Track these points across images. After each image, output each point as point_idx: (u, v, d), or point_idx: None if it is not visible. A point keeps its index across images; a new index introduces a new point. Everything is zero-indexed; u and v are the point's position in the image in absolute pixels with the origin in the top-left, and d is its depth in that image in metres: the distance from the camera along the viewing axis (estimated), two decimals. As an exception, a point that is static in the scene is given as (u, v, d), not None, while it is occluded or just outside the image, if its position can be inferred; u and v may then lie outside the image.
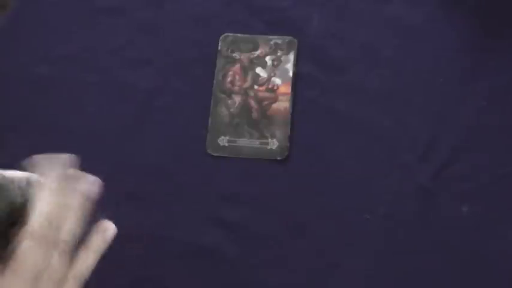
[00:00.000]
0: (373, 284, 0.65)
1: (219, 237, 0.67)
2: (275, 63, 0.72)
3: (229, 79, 0.72)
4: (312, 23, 0.74)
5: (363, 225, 0.66)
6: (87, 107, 0.73)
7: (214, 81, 0.72)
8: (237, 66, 0.72)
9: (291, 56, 0.72)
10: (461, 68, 0.71)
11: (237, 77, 0.72)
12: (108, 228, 0.53)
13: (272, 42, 0.73)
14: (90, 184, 0.51)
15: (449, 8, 0.73)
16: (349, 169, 0.68)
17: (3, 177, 0.48)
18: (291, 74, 0.72)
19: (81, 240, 0.50)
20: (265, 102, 0.71)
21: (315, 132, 0.70)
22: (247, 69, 0.72)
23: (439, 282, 0.64)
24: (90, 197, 0.50)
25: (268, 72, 0.72)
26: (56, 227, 0.48)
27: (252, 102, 0.71)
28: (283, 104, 0.71)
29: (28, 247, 0.46)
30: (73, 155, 0.50)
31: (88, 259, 0.50)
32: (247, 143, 0.70)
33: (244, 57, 0.73)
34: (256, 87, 0.72)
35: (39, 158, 0.48)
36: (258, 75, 0.72)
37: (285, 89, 0.71)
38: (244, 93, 0.71)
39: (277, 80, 0.72)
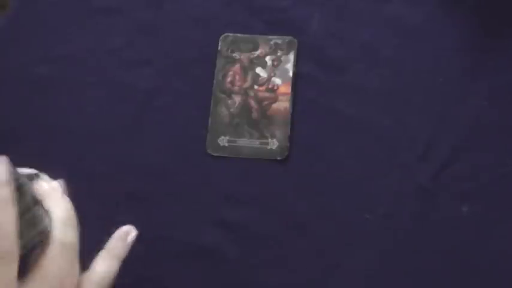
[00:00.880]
0: (373, 284, 0.65)
1: (219, 237, 0.67)
2: (275, 63, 0.72)
3: (229, 79, 0.72)
4: (312, 23, 0.74)
5: (363, 225, 0.66)
6: (86, 107, 0.73)
7: (214, 81, 0.72)
8: (237, 66, 0.72)
9: (291, 56, 0.72)
10: (461, 67, 0.71)
11: (237, 77, 0.72)
12: (129, 233, 0.53)
13: (272, 42, 0.73)
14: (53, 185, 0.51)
15: (449, 8, 0.73)
16: (349, 169, 0.68)
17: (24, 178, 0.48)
18: (291, 74, 0.72)
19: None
20: (265, 102, 0.71)
21: (315, 132, 0.70)
22: (247, 69, 0.72)
23: (439, 282, 0.64)
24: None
25: (268, 72, 0.72)
26: (74, 231, 0.48)
27: (252, 102, 0.71)
28: (283, 104, 0.71)
29: (53, 255, 0.46)
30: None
31: (108, 263, 0.51)
32: (247, 143, 0.70)
33: (244, 57, 0.73)
34: (256, 87, 0.72)
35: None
36: (258, 75, 0.72)
37: (285, 89, 0.71)
38: (244, 93, 0.71)
39: (277, 80, 0.72)
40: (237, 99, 0.71)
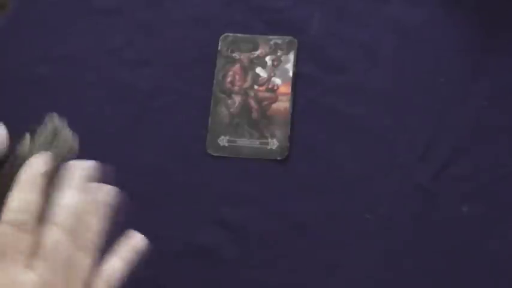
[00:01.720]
0: (373, 284, 0.65)
1: (219, 237, 0.67)
2: (275, 63, 0.72)
3: (229, 79, 0.72)
4: (312, 23, 0.74)
5: (363, 225, 0.66)
6: (86, 107, 0.73)
7: (214, 81, 0.72)
8: (237, 66, 0.72)
9: (291, 56, 0.72)
10: (462, 68, 0.71)
11: (237, 77, 0.72)
12: (139, 241, 0.53)
13: (272, 42, 0.73)
14: (107, 194, 0.52)
15: (450, 8, 0.73)
16: (349, 169, 0.68)
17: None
18: (291, 74, 0.72)
19: (109, 248, 0.51)
20: (265, 102, 0.71)
21: (315, 132, 0.70)
22: (247, 69, 0.72)
23: (439, 282, 0.64)
24: (109, 206, 0.51)
25: (268, 72, 0.72)
26: (83, 224, 0.48)
27: (252, 102, 0.71)
28: (283, 104, 0.71)
29: (57, 238, 0.46)
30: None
31: (117, 266, 0.50)
32: (247, 143, 0.70)
33: (244, 57, 0.73)
34: (256, 87, 0.72)
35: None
36: (258, 75, 0.72)
37: (285, 89, 0.71)
38: (244, 93, 0.71)
39: (277, 80, 0.72)
40: (237, 99, 0.71)
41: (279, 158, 0.69)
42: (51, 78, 0.74)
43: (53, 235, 0.45)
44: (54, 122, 0.54)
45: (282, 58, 0.72)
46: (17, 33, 0.76)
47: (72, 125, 0.73)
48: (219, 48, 0.73)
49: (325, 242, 0.66)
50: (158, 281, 0.66)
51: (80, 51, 0.75)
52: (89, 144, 0.70)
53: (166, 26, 0.75)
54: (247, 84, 0.72)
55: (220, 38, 0.74)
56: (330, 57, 0.72)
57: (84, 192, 0.50)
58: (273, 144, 0.69)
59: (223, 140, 0.70)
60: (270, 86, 0.72)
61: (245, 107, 0.71)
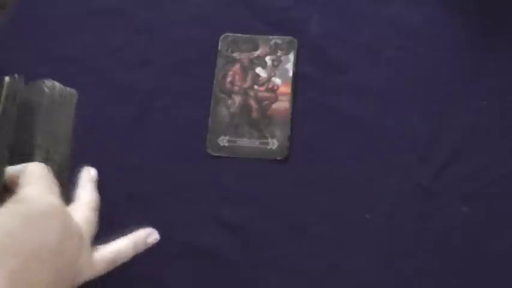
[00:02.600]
0: (373, 284, 0.65)
1: (219, 237, 0.67)
2: (275, 63, 0.72)
3: (229, 79, 0.72)
4: (312, 23, 0.74)
5: (363, 225, 0.66)
6: (86, 108, 0.73)
7: (214, 81, 0.72)
8: (237, 66, 0.72)
9: (291, 56, 0.72)
10: (462, 68, 0.71)
11: (237, 77, 0.72)
12: (152, 235, 0.59)
13: (272, 42, 0.73)
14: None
15: (450, 8, 0.73)
16: (349, 169, 0.68)
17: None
18: (291, 74, 0.72)
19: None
20: (265, 102, 0.71)
21: (315, 132, 0.70)
22: (247, 69, 0.72)
23: (439, 282, 0.64)
24: None
25: (268, 72, 0.72)
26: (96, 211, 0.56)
27: (252, 102, 0.71)
28: (283, 104, 0.71)
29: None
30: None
31: (125, 245, 0.56)
32: (247, 143, 0.70)
33: (244, 57, 0.73)
34: (256, 87, 0.72)
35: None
36: (258, 75, 0.72)
37: (285, 89, 0.71)
38: (244, 93, 0.71)
39: (277, 80, 0.72)
40: (237, 99, 0.71)
41: (279, 158, 0.69)
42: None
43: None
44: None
45: (282, 58, 0.72)
46: (17, 33, 0.76)
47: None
48: (219, 48, 0.73)
49: (325, 242, 0.66)
50: (158, 281, 0.66)
51: (80, 51, 0.75)
52: (89, 144, 0.71)
53: (166, 26, 0.75)
54: (247, 84, 0.72)
55: (220, 38, 0.74)
56: (330, 57, 0.72)
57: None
58: (273, 144, 0.69)
59: (223, 140, 0.70)
60: (270, 86, 0.72)
61: (245, 107, 0.71)
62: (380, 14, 0.74)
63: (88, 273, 0.52)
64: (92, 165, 0.69)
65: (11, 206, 0.49)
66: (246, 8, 0.74)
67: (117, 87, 0.73)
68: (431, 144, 0.68)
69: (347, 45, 0.73)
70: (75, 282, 0.51)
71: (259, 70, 0.72)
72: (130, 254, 0.56)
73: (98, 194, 0.59)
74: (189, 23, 0.75)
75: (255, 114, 0.71)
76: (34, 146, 0.62)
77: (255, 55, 0.73)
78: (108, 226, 0.59)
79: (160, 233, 0.67)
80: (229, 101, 0.71)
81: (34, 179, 0.52)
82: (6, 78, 0.58)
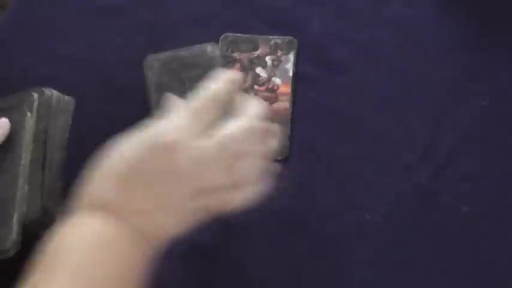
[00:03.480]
0: (373, 284, 0.65)
1: (219, 237, 0.67)
2: (275, 63, 0.72)
3: (229, 79, 0.72)
4: (312, 23, 0.74)
5: (363, 225, 0.66)
6: (86, 108, 0.73)
7: (214, 81, 0.72)
8: (237, 66, 0.72)
9: (291, 56, 0.72)
10: (462, 68, 0.71)
11: (237, 77, 0.72)
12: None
13: (272, 42, 0.73)
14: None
15: (449, 8, 0.73)
16: (349, 169, 0.68)
17: None
18: (291, 74, 0.72)
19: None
20: (265, 102, 0.71)
21: (315, 132, 0.70)
22: (247, 69, 0.72)
23: (439, 282, 0.64)
24: None
25: (268, 72, 0.72)
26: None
27: (252, 102, 0.71)
28: (283, 104, 0.71)
29: (205, 95, 0.54)
30: None
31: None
32: (247, 143, 0.70)
33: (244, 57, 0.73)
34: (256, 87, 0.72)
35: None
36: (258, 75, 0.72)
37: (285, 89, 0.71)
38: (244, 93, 0.71)
39: (277, 80, 0.72)
40: (237, 99, 0.71)
41: (279, 158, 0.69)
42: (51, 78, 0.74)
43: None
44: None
45: (282, 58, 0.72)
46: (17, 33, 0.76)
47: (72, 124, 0.73)
48: (219, 48, 0.73)
49: (325, 242, 0.66)
50: (158, 281, 0.66)
51: (80, 51, 0.75)
52: (89, 144, 0.70)
53: (166, 26, 0.75)
54: (247, 84, 0.72)
55: (220, 38, 0.74)
56: (330, 57, 0.72)
57: None
58: (273, 144, 0.69)
59: (223, 140, 0.70)
60: (270, 86, 0.72)
61: (245, 107, 0.71)
62: (380, 14, 0.74)
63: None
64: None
65: (147, 135, 0.53)
66: (246, 8, 0.75)
67: (117, 87, 0.73)
68: (430, 144, 0.68)
69: (347, 45, 0.73)
70: (198, 214, 0.55)
71: (259, 70, 0.72)
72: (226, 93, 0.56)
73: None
74: (189, 23, 0.75)
75: (255, 114, 0.71)
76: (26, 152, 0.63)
77: (255, 55, 0.73)
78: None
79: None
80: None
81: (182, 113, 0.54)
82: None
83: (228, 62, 0.73)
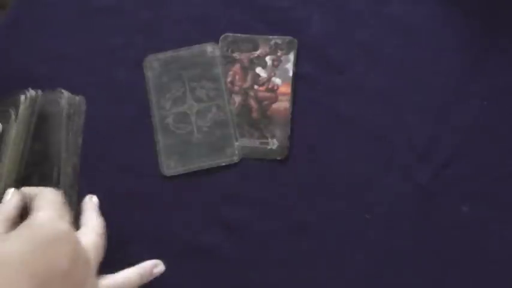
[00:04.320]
0: (373, 284, 0.65)
1: (219, 237, 0.67)
2: (275, 63, 0.72)
3: (229, 79, 0.72)
4: (312, 23, 0.74)
5: (363, 225, 0.66)
6: (86, 108, 0.73)
7: (214, 81, 0.72)
8: (237, 66, 0.72)
9: (291, 56, 0.72)
10: (461, 67, 0.71)
11: (237, 77, 0.72)
12: (158, 266, 0.60)
13: (272, 42, 0.73)
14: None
15: (450, 8, 0.73)
16: (349, 169, 0.68)
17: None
18: (291, 74, 0.72)
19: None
20: (265, 102, 0.71)
21: (315, 132, 0.70)
22: (247, 69, 0.72)
23: (439, 282, 0.64)
24: None
25: (268, 72, 0.72)
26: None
27: (252, 102, 0.71)
28: (283, 104, 0.71)
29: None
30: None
31: (131, 276, 0.58)
32: (247, 143, 0.70)
33: (244, 57, 0.73)
34: (256, 87, 0.72)
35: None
36: (258, 75, 0.72)
37: (285, 89, 0.71)
38: (244, 93, 0.71)
39: (277, 80, 0.72)
40: (237, 99, 0.71)
41: (279, 158, 0.69)
42: (51, 78, 0.74)
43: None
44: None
45: (282, 58, 0.72)
46: (17, 33, 0.76)
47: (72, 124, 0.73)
48: (219, 48, 0.73)
49: (325, 242, 0.66)
50: (158, 280, 0.66)
51: (80, 51, 0.75)
52: (88, 144, 0.71)
53: (166, 26, 0.75)
54: (247, 84, 0.72)
55: (220, 38, 0.74)
56: (330, 57, 0.72)
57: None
58: (273, 144, 0.69)
59: (223, 140, 0.70)
60: (270, 86, 0.72)
61: (245, 107, 0.71)
62: (379, 14, 0.74)
63: None
64: (92, 165, 0.70)
65: (24, 230, 0.51)
66: (246, 8, 0.74)
67: (117, 87, 0.73)
68: (430, 144, 0.68)
69: (347, 45, 0.73)
70: None
71: (259, 70, 0.72)
72: (136, 284, 0.58)
73: (103, 219, 0.60)
74: (189, 23, 0.75)
75: (255, 114, 0.71)
76: (48, 157, 0.63)
77: (255, 55, 0.73)
78: (108, 226, 0.60)
79: (160, 233, 0.67)
80: (230, 101, 0.71)
81: (46, 204, 0.54)
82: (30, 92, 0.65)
83: (228, 62, 0.73)
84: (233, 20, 0.74)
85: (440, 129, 0.69)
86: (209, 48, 0.70)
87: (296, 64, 0.72)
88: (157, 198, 0.69)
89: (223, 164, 0.69)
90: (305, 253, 0.66)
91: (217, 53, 0.69)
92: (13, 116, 0.64)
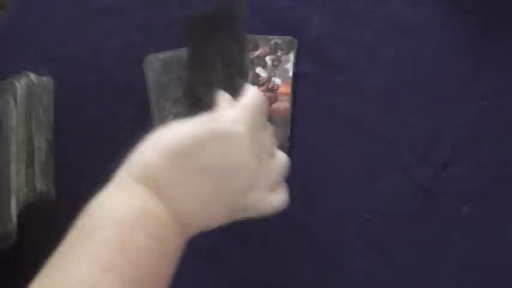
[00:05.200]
0: (373, 284, 0.65)
1: (219, 237, 0.67)
2: (275, 63, 0.72)
3: (229, 79, 0.72)
4: (312, 23, 0.74)
5: (363, 225, 0.66)
6: (86, 108, 0.73)
7: (214, 81, 0.72)
8: (237, 66, 0.72)
9: (291, 56, 0.72)
10: (462, 67, 0.71)
11: (237, 77, 0.72)
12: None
13: (272, 42, 0.73)
14: None
15: (450, 8, 0.73)
16: (349, 169, 0.68)
17: None
18: (291, 74, 0.72)
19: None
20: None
21: (315, 132, 0.70)
22: (247, 69, 0.72)
23: (439, 282, 0.64)
24: None
25: (268, 72, 0.72)
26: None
27: (252, 102, 0.71)
28: (283, 104, 0.71)
29: (257, 94, 0.56)
30: None
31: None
32: (247, 143, 0.70)
33: (244, 57, 0.73)
34: (256, 87, 0.72)
35: None
36: (258, 75, 0.72)
37: (285, 89, 0.71)
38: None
39: (277, 80, 0.72)
40: (237, 99, 0.71)
41: (279, 158, 0.69)
42: (50, 78, 0.74)
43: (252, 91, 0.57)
44: None
45: (282, 58, 0.72)
46: (17, 33, 0.76)
47: (72, 125, 0.73)
48: (219, 48, 0.73)
49: (325, 242, 0.66)
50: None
51: (80, 51, 0.75)
52: (89, 144, 0.71)
53: (166, 26, 0.75)
54: (247, 84, 0.72)
55: (220, 38, 0.74)
56: (330, 57, 0.72)
57: None
58: (273, 144, 0.69)
59: (223, 140, 0.70)
60: (270, 86, 0.72)
61: (245, 107, 0.71)
62: (379, 14, 0.74)
63: (253, 212, 0.54)
64: (92, 165, 0.70)
65: (207, 120, 0.51)
66: (246, 8, 0.74)
67: (117, 87, 0.73)
68: (431, 144, 0.68)
69: (346, 45, 0.73)
70: (235, 213, 0.53)
71: (259, 70, 0.72)
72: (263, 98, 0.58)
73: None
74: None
75: (255, 114, 0.71)
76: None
77: (255, 55, 0.73)
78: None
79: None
80: (229, 101, 0.71)
81: (238, 107, 0.55)
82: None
83: (228, 62, 0.73)
84: (233, 20, 0.74)
85: (440, 129, 0.69)
86: None
87: (296, 64, 0.72)
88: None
89: (223, 164, 0.69)
90: (305, 253, 0.66)
91: None
92: (12, 102, 0.66)
